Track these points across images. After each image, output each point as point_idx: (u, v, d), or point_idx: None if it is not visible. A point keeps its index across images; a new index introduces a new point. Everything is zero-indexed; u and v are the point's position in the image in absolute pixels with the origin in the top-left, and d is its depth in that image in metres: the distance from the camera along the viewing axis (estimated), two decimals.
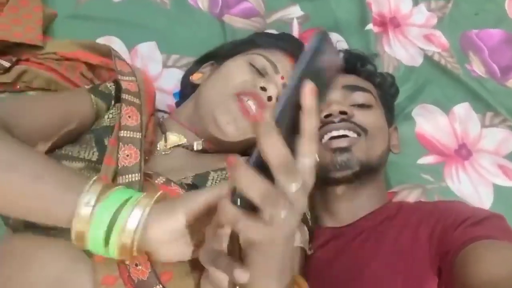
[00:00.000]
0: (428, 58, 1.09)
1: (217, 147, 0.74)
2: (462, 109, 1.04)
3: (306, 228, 0.69)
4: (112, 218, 0.44)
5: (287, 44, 0.81)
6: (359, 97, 0.81)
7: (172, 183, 0.61)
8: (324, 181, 0.79)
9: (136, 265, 0.52)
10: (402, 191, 0.95)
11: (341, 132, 0.76)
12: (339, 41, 1.06)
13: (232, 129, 0.69)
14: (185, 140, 0.73)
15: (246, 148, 0.74)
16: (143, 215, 0.44)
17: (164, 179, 0.61)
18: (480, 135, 1.02)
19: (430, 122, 1.02)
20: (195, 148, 0.73)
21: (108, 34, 1.01)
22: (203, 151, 0.74)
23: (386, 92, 0.91)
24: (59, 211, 0.46)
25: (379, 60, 1.07)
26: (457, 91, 1.05)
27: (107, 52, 0.86)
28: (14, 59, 0.91)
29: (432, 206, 0.76)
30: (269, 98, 0.71)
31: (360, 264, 0.70)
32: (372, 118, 0.80)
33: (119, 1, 1.06)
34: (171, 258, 0.45)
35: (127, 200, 0.46)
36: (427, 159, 0.99)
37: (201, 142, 0.74)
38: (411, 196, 0.95)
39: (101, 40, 1.01)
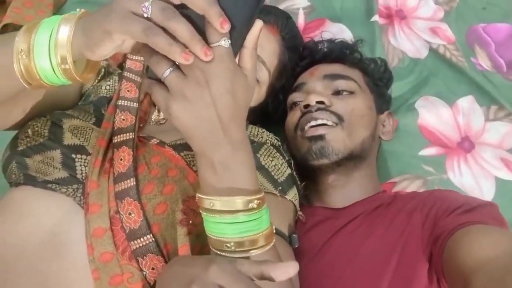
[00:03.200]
0: (433, 51, 1.09)
1: None
2: (466, 102, 1.03)
3: (297, 191, 0.71)
4: (49, 41, 0.45)
5: (265, 15, 0.83)
6: (340, 85, 0.82)
7: (165, 145, 0.63)
8: (309, 170, 0.81)
9: (129, 213, 0.54)
10: (403, 181, 0.95)
11: (319, 122, 0.77)
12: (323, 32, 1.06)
13: None
14: None
15: None
16: (70, 27, 0.44)
17: (158, 141, 0.64)
18: (484, 128, 1.01)
19: (433, 114, 1.01)
20: None
21: None
22: None
23: (377, 78, 0.91)
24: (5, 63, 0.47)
25: (384, 52, 1.07)
26: (461, 84, 1.05)
27: None
28: None
29: (427, 194, 0.76)
30: None
31: (353, 247, 0.70)
32: (351, 106, 0.80)
33: None
34: (108, 53, 0.44)
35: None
36: (429, 151, 0.98)
37: None
38: (411, 186, 0.94)
39: None
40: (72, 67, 0.44)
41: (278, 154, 0.71)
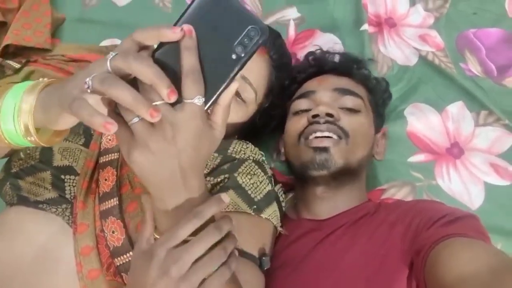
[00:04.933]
0: (422, 58, 1.10)
1: None
2: (456, 108, 1.04)
3: (277, 208, 0.72)
4: (14, 109, 0.46)
5: None
6: (349, 101, 0.83)
7: None
8: (303, 179, 0.82)
9: (113, 232, 0.58)
10: (391, 188, 0.97)
11: (325, 134, 0.79)
12: (336, 43, 1.09)
13: None
14: None
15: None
16: (34, 97, 0.46)
17: None
18: (473, 133, 1.02)
19: (422, 121, 1.02)
20: None
21: (112, 37, 1.07)
22: None
23: (378, 97, 0.92)
24: None
25: (373, 60, 1.09)
26: (450, 90, 1.06)
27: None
28: (23, 60, 0.98)
29: (410, 205, 0.78)
30: None
31: (335, 257, 0.72)
32: (357, 124, 0.81)
33: (123, 6, 1.12)
34: (68, 126, 0.46)
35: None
36: (418, 157, 1.00)
37: None
38: (399, 193, 0.96)
39: (106, 43, 1.07)
40: (36, 138, 0.46)
41: (260, 171, 0.72)
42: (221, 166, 0.69)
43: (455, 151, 1.01)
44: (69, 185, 0.63)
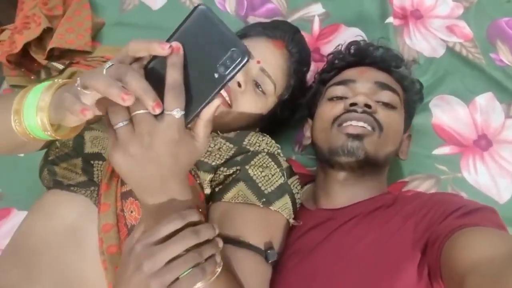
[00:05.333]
0: (449, 49, 1.08)
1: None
2: (484, 99, 1.01)
3: (289, 200, 0.73)
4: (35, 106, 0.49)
5: (272, 30, 0.88)
6: (387, 96, 0.84)
7: None
8: (328, 164, 0.84)
9: (131, 211, 0.64)
10: (414, 181, 0.96)
11: (360, 124, 0.80)
12: (358, 36, 1.09)
13: None
14: None
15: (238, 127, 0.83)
16: (49, 95, 0.49)
17: None
18: (503, 125, 0.99)
19: (448, 113, 1.01)
20: None
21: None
22: None
23: (411, 98, 0.92)
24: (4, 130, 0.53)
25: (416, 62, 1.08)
26: (479, 81, 1.03)
27: None
28: (67, 62, 1.08)
29: (427, 197, 0.77)
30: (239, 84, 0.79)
31: (348, 244, 0.73)
32: (391, 119, 0.82)
33: (157, 9, 1.20)
34: (76, 124, 0.50)
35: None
36: (443, 150, 0.99)
37: None
38: (423, 186, 0.95)
39: None
40: (51, 133, 0.50)
41: (273, 163, 0.73)
42: (234, 158, 0.72)
43: (482, 143, 0.98)
44: (97, 170, 0.70)
